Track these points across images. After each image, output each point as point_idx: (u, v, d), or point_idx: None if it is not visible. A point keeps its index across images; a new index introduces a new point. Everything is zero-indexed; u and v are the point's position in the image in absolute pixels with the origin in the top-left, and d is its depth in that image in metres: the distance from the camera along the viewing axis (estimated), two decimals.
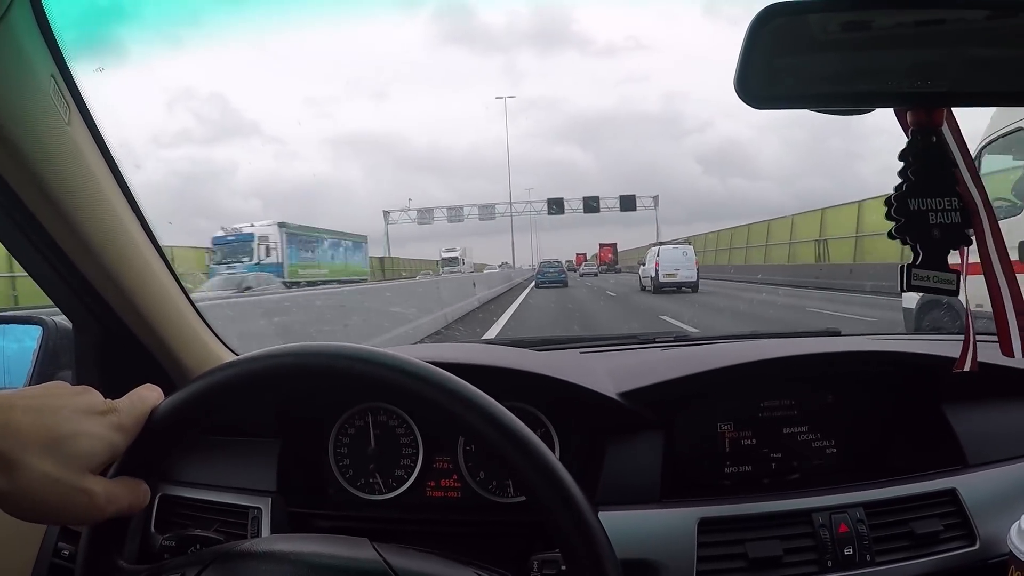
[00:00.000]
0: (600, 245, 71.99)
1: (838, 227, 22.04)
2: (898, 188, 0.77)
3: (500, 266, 60.55)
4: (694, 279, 21.44)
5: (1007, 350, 0.81)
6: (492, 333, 10.25)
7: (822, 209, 24.03)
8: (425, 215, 58.70)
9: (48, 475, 0.53)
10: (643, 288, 23.30)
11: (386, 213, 57.26)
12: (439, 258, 57.59)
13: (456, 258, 56.40)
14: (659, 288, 20.98)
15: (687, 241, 29.33)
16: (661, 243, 25.75)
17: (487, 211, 59.16)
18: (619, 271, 58.35)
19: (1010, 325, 0.80)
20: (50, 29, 0.82)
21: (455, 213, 58.82)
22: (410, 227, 58.89)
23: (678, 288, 20.68)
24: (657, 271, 21.56)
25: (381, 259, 45.89)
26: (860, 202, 20.46)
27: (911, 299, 6.50)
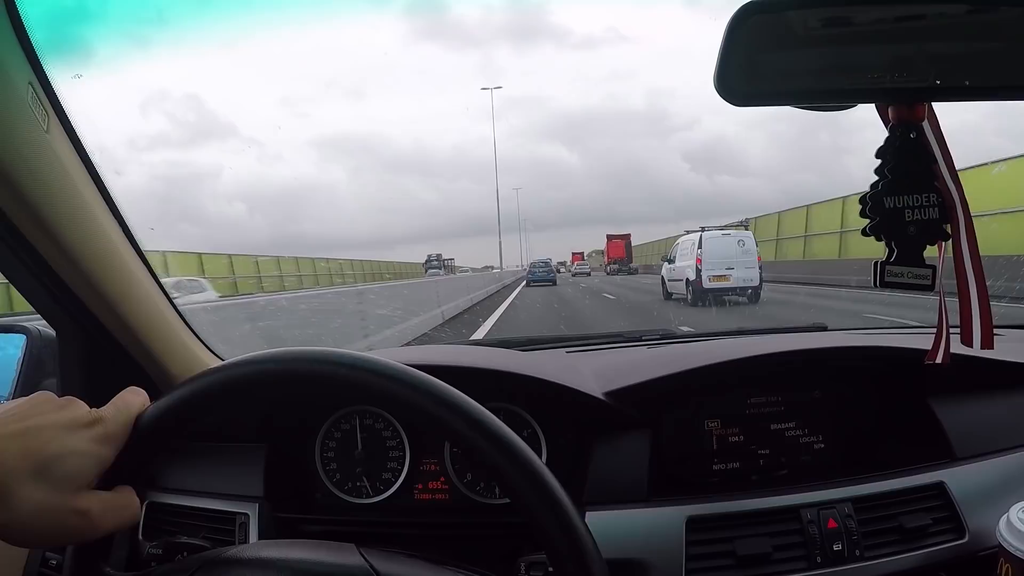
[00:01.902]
0: (608, 237, 54.52)
1: None
2: (874, 186, 0.77)
3: None
4: (755, 282, 13.84)
5: (967, 339, 0.83)
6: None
7: None
8: None
9: (40, 502, 0.53)
10: (669, 296, 15.83)
11: None
12: None
13: None
14: (702, 297, 13.64)
15: (743, 223, 18.45)
16: (704, 228, 15.44)
17: None
18: (634, 271, 44.95)
19: (973, 317, 0.82)
20: (27, 36, 0.81)
21: None
22: None
23: (721, 296, 13.60)
24: (699, 271, 13.81)
25: None
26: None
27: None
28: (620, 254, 50.86)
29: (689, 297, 14.20)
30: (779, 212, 27.10)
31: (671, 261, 16.12)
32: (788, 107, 0.78)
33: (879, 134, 0.80)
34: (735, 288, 13.81)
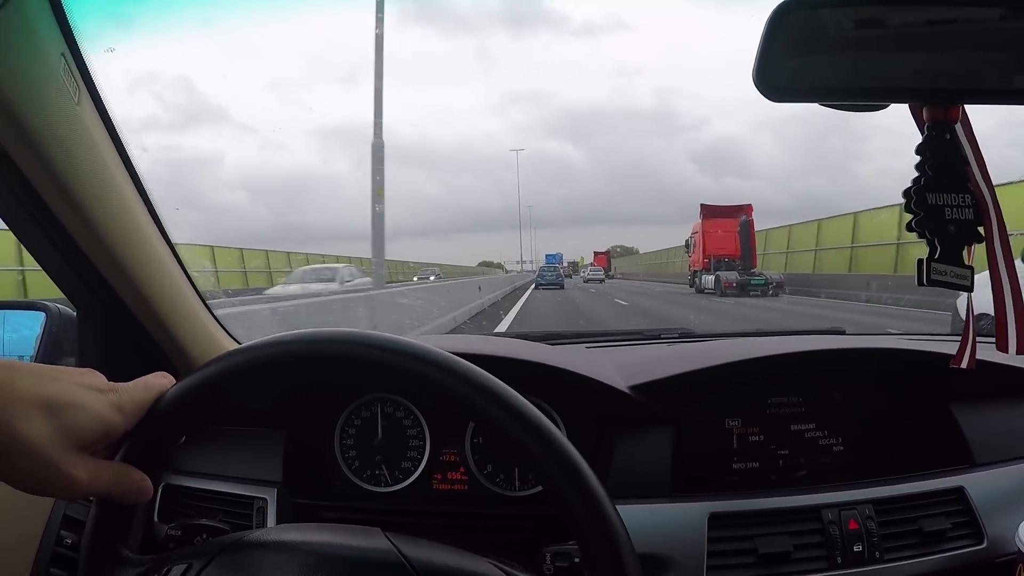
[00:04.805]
0: (705, 213, 23.96)
1: None
2: (916, 181, 0.77)
3: None
4: None
5: (1002, 346, 0.81)
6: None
7: None
8: None
9: (39, 442, 0.53)
10: None
11: None
12: None
13: None
14: None
15: None
16: None
17: None
18: (775, 287, 18.90)
19: (1008, 323, 0.80)
20: (61, 7, 0.80)
21: None
22: None
23: None
24: None
25: None
26: None
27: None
28: (731, 251, 22.22)
29: None
30: (790, 225, 23.36)
31: None
32: (800, 109, 0.78)
33: (890, 141, 0.80)
34: None
